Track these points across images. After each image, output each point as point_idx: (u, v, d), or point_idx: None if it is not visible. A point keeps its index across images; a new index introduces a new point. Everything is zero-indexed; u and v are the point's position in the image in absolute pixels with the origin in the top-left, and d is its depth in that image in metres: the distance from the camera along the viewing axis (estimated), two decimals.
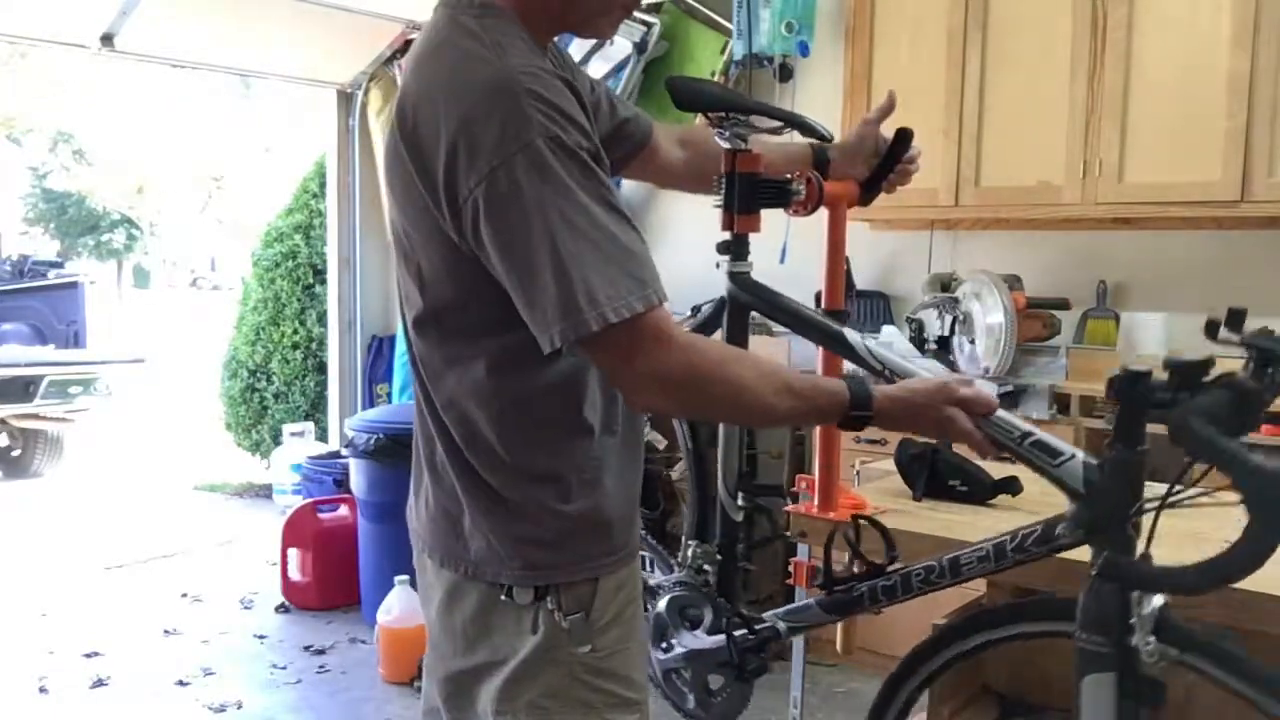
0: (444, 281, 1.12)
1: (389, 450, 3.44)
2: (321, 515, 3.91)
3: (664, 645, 1.66)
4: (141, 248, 25.78)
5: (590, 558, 1.18)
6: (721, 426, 1.66)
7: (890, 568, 1.39)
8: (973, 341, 2.97)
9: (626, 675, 1.20)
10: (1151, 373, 1.04)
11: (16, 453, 6.88)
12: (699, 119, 1.52)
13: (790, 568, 1.82)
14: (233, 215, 24.59)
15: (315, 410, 5.69)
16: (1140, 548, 1.11)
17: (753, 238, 1.49)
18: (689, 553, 1.69)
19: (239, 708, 3.08)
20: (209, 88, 21.16)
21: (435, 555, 1.23)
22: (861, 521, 1.43)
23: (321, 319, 5.54)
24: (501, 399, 1.14)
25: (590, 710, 1.16)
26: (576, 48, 3.71)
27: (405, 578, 3.18)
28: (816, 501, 1.67)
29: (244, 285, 6.33)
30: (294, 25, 4.20)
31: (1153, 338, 3.07)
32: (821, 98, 3.64)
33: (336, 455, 4.44)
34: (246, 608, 3.96)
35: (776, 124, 1.48)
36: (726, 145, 1.40)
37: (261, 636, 3.66)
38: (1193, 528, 1.23)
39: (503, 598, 1.16)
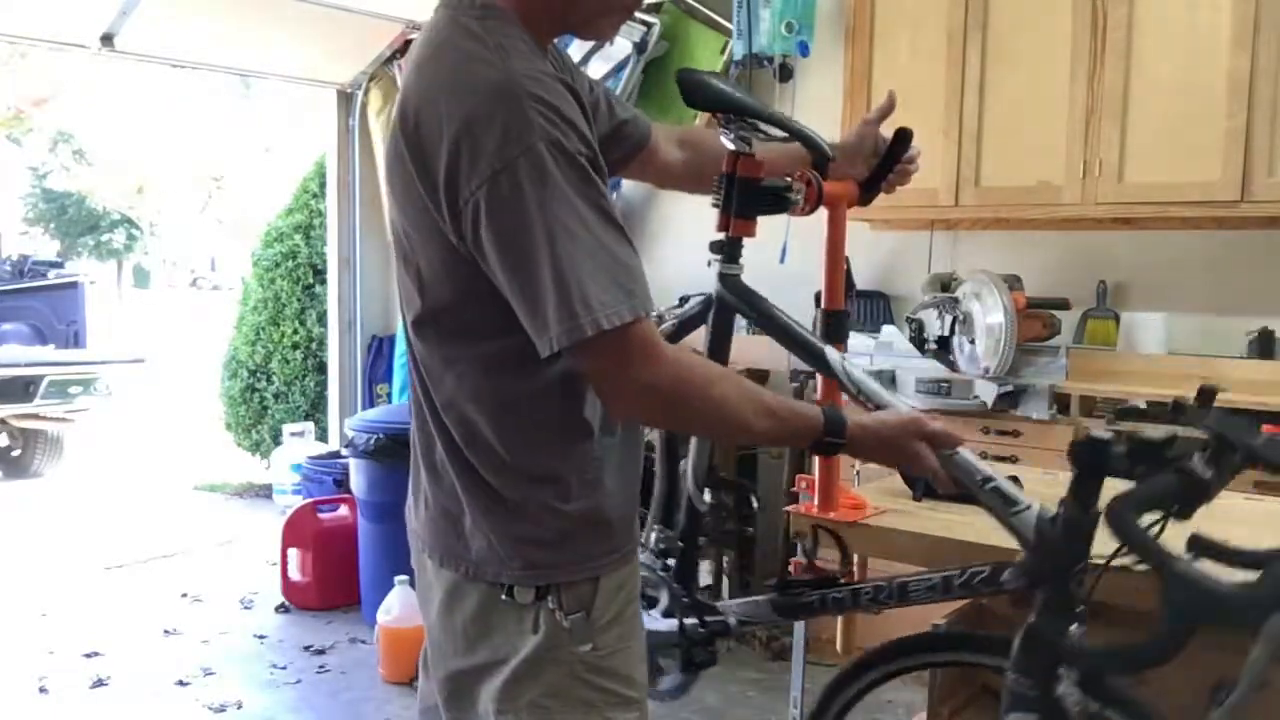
0: (443, 283, 1.13)
1: (389, 450, 3.43)
2: (321, 515, 3.91)
3: None
4: (141, 248, 25.78)
5: (591, 557, 1.18)
6: None
7: (843, 580, 1.44)
8: (973, 341, 2.97)
9: (627, 674, 1.20)
10: (1112, 442, 1.07)
11: (16, 453, 6.88)
12: (702, 116, 1.52)
13: (790, 567, 1.82)
14: (233, 215, 24.58)
15: (315, 410, 5.69)
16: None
17: (753, 236, 1.49)
18: (652, 536, 1.71)
19: (239, 708, 3.08)
20: (209, 88, 21.15)
21: (435, 555, 1.23)
22: (820, 529, 1.48)
23: (321, 319, 5.54)
24: (501, 400, 1.14)
25: (591, 709, 1.17)
26: (576, 48, 3.71)
27: (405, 578, 3.18)
28: (816, 502, 1.67)
29: (244, 285, 6.33)
30: (294, 25, 4.20)
31: (1153, 338, 3.07)
32: (821, 98, 3.64)
33: (336, 455, 4.44)
34: (246, 608, 3.96)
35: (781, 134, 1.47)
36: (730, 146, 1.39)
37: (261, 636, 3.66)
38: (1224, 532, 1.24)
39: (503, 597, 1.16)
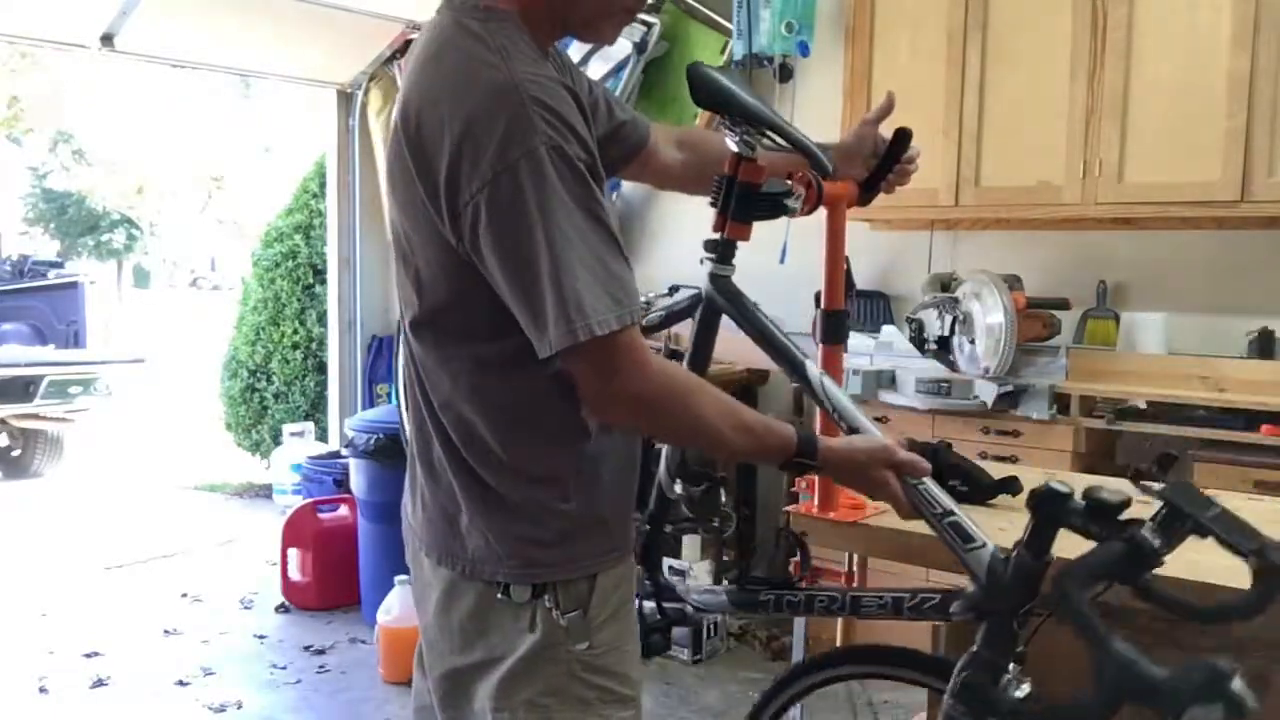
0: (441, 283, 1.13)
1: (389, 450, 3.44)
2: (321, 515, 3.91)
3: None
4: (141, 248, 25.78)
5: (588, 556, 1.19)
6: None
7: (802, 584, 1.46)
8: (973, 341, 2.97)
9: (623, 672, 1.21)
10: (1072, 495, 1.10)
11: (16, 453, 6.88)
12: (702, 115, 1.51)
13: (790, 567, 1.82)
14: (233, 215, 24.59)
15: (315, 410, 5.69)
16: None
17: (754, 235, 1.49)
18: None
19: (239, 708, 3.08)
20: (209, 88, 21.16)
21: (432, 554, 1.24)
22: (786, 532, 1.52)
23: (321, 319, 5.54)
24: (498, 400, 1.15)
25: (588, 707, 1.17)
26: (576, 48, 3.70)
27: (405, 578, 3.18)
28: (816, 501, 1.68)
29: (244, 285, 6.33)
30: (294, 25, 4.20)
31: (1153, 338, 3.07)
32: (821, 98, 3.64)
33: (336, 455, 4.44)
34: (246, 608, 3.96)
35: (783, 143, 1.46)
36: (734, 148, 1.39)
37: (261, 636, 3.66)
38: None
39: (500, 596, 1.17)
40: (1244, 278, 3.04)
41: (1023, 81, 3.10)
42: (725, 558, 3.52)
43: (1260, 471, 2.58)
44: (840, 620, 2.12)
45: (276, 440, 5.62)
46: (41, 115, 19.30)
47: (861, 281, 3.68)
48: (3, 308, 7.38)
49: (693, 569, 3.31)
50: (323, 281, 5.50)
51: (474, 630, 1.19)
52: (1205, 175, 2.79)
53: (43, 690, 3.19)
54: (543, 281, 1.02)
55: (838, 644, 1.91)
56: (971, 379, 3.03)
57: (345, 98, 4.92)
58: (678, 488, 1.64)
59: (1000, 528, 1.42)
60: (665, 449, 1.64)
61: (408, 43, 4.39)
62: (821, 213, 1.53)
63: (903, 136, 1.50)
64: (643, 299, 1.91)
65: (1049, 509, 1.11)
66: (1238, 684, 0.88)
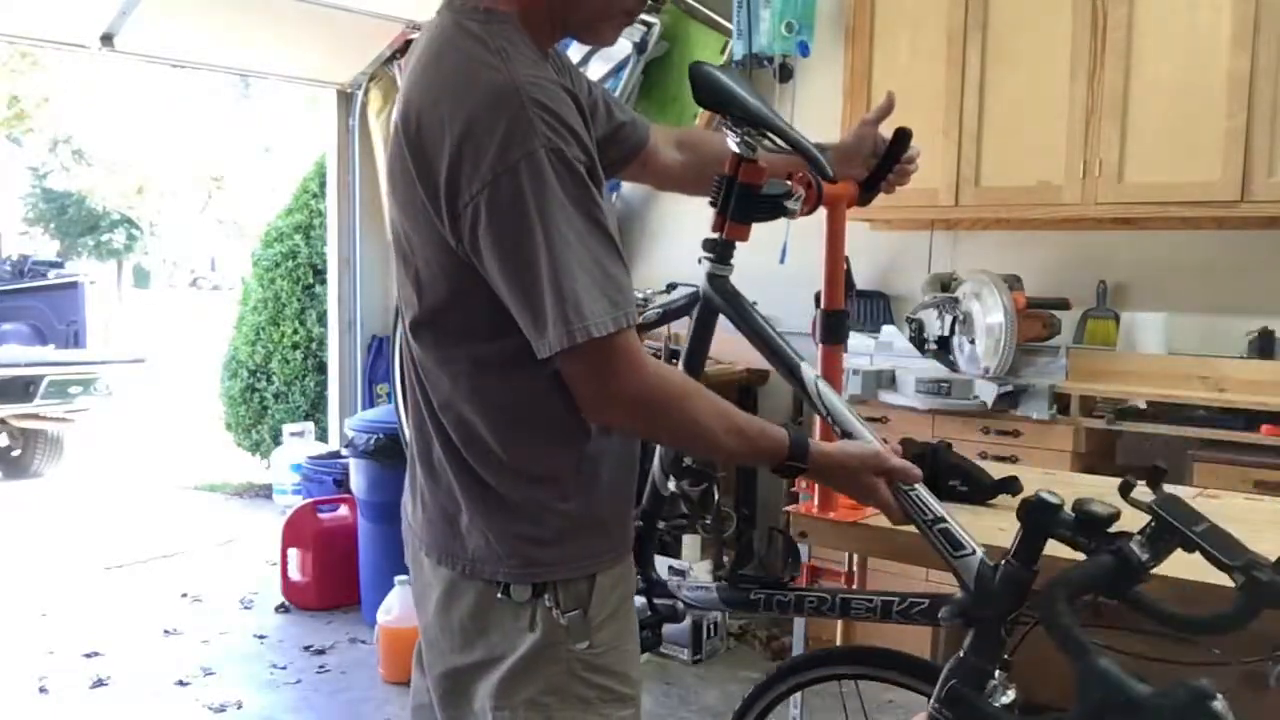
0: (440, 284, 1.13)
1: (389, 450, 3.44)
2: (321, 515, 3.91)
3: None
4: (141, 248, 25.78)
5: (588, 555, 1.19)
6: None
7: (792, 584, 1.46)
8: (973, 341, 2.97)
9: (623, 671, 1.21)
10: (1062, 506, 1.10)
11: (16, 453, 6.88)
12: (702, 115, 1.51)
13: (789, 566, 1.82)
14: (233, 215, 24.60)
15: (315, 410, 5.69)
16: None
17: (754, 234, 1.48)
18: None
19: (239, 708, 3.08)
20: (209, 88, 21.17)
21: (433, 553, 1.24)
22: (778, 531, 1.52)
23: (321, 319, 5.54)
24: (497, 401, 1.15)
25: (588, 706, 1.17)
26: (576, 49, 3.70)
27: (405, 578, 3.18)
28: (816, 501, 1.67)
29: (244, 285, 6.33)
30: (294, 25, 4.20)
31: (1153, 338, 3.07)
32: (821, 98, 3.64)
33: (336, 455, 4.44)
34: (246, 608, 3.96)
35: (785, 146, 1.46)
36: (734, 148, 1.39)
37: (261, 636, 3.66)
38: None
39: (500, 595, 1.17)
40: (1244, 278, 3.04)
41: (1023, 81, 3.10)
42: (725, 558, 3.52)
43: (1260, 471, 2.58)
44: (840, 621, 2.12)
45: (276, 440, 5.62)
46: (41, 115, 19.30)
47: (861, 281, 3.68)
48: (3, 308, 7.38)
49: (692, 569, 3.31)
50: (323, 281, 5.50)
51: (474, 629, 1.19)
52: (1205, 175, 2.80)
53: (43, 690, 3.19)
54: (541, 283, 1.03)
55: (837, 644, 1.90)
56: (971, 379, 3.03)
57: (345, 98, 4.92)
58: (671, 485, 1.64)
59: (1000, 528, 1.42)
60: (659, 446, 1.65)
61: (408, 43, 4.39)
62: (821, 213, 1.53)
63: (902, 136, 1.50)
64: (640, 295, 1.90)
65: (1038, 519, 1.12)
66: (1219, 704, 0.89)
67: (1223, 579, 1.04)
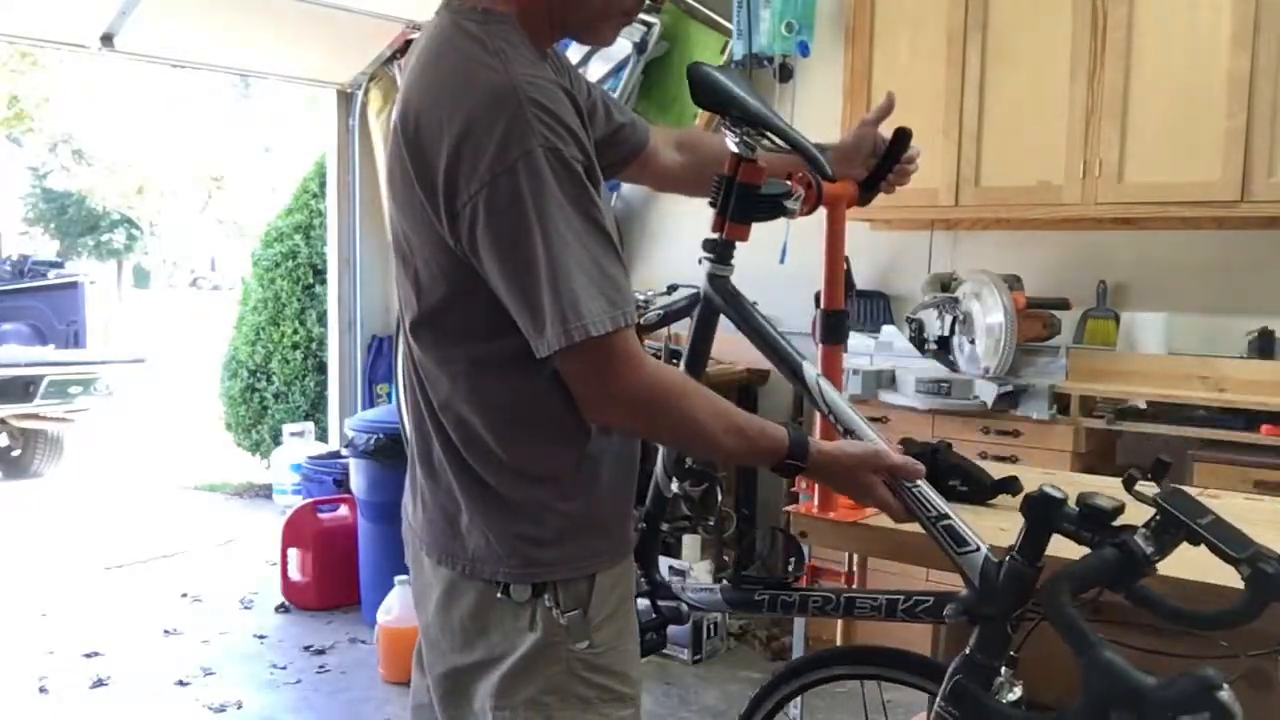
0: (439, 284, 1.13)
1: (389, 450, 3.44)
2: (321, 515, 3.91)
3: None
4: (141, 248, 25.78)
5: (588, 555, 1.19)
6: None
7: (795, 584, 1.46)
8: (973, 341, 2.97)
9: (623, 671, 1.21)
10: (1066, 500, 1.10)
11: (16, 453, 6.88)
12: (702, 115, 1.51)
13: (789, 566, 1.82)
14: (233, 215, 24.60)
15: (315, 410, 5.69)
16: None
17: (753, 234, 1.49)
18: None
19: (239, 708, 3.08)
20: (209, 88, 21.17)
21: (433, 554, 1.24)
22: (779, 531, 1.53)
23: (321, 319, 5.54)
24: (497, 401, 1.15)
25: (588, 706, 1.17)
26: (575, 50, 3.70)
27: (405, 578, 3.18)
28: (816, 501, 1.67)
29: (244, 285, 6.33)
30: (294, 25, 4.20)
31: (1153, 338, 3.07)
32: (821, 98, 3.64)
33: (336, 455, 4.44)
34: (246, 608, 3.96)
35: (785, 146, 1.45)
36: (733, 148, 1.39)
37: (261, 636, 3.66)
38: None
39: (499, 595, 1.17)
40: (1244, 278, 3.04)
41: (1023, 81, 3.10)
42: (725, 558, 3.52)
43: (1260, 471, 2.58)
44: (840, 620, 2.12)
45: (276, 440, 5.62)
46: (41, 115, 19.30)
47: (861, 281, 3.68)
48: (3, 308, 7.38)
49: (693, 569, 3.31)
50: (323, 281, 5.50)
51: (474, 629, 1.19)
52: (1205, 175, 2.80)
53: (43, 690, 3.19)
54: (540, 283, 1.03)
55: (838, 644, 1.90)
56: (971, 379, 3.03)
57: (345, 98, 4.92)
58: (674, 486, 1.64)
59: (1001, 528, 1.42)
60: (661, 447, 1.65)
61: (408, 43, 4.39)
62: (821, 213, 1.53)
63: (902, 136, 1.50)
64: (641, 297, 1.90)
65: (1042, 514, 1.11)
66: (1226, 694, 0.88)
67: (1228, 574, 1.03)
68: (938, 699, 1.23)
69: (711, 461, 1.62)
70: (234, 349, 6.01)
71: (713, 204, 1.43)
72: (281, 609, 3.90)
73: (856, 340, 3.30)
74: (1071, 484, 1.61)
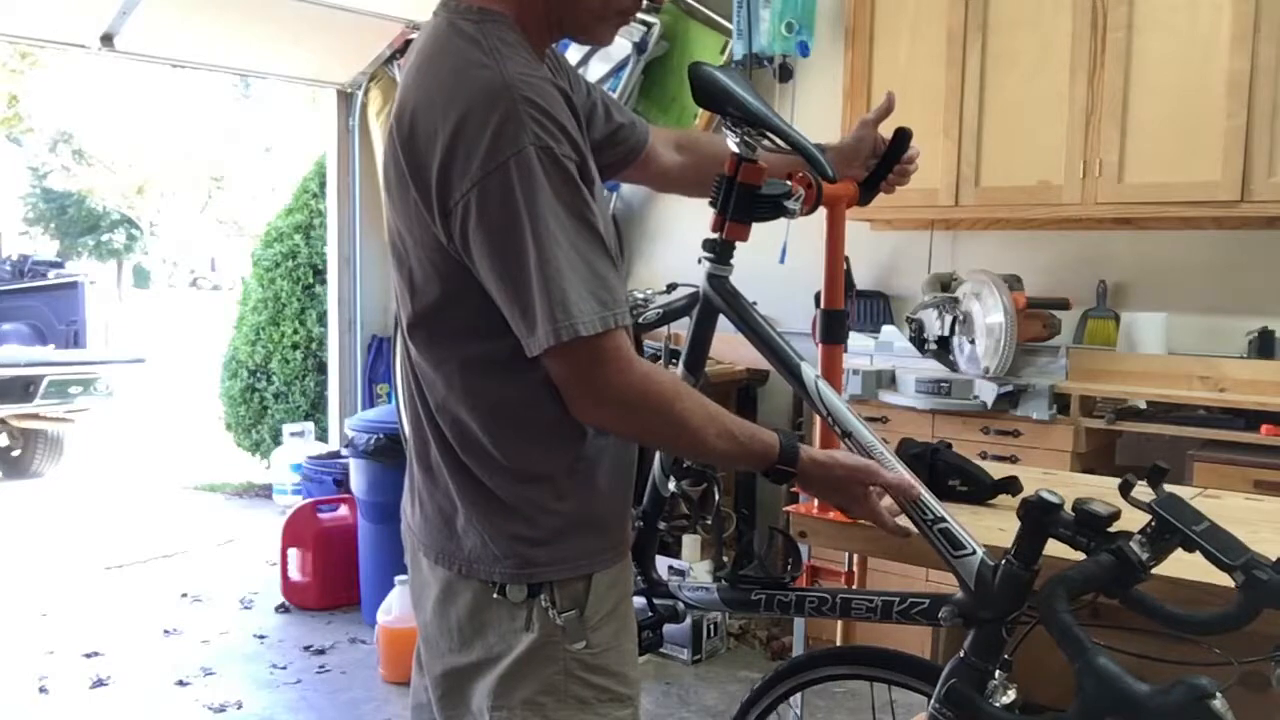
0: (434, 284, 1.14)
1: (389, 450, 3.44)
2: (321, 515, 3.91)
3: None
4: (141, 248, 25.80)
5: (584, 555, 1.19)
6: None
7: (792, 584, 1.46)
8: (973, 341, 2.97)
9: (621, 671, 1.21)
10: (1062, 505, 1.10)
11: (16, 453, 6.87)
12: (702, 115, 1.50)
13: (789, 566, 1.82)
14: (233, 215, 24.61)
15: (315, 410, 5.69)
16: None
17: (753, 234, 1.49)
18: None
19: (239, 708, 3.08)
20: (209, 88, 21.17)
21: (430, 554, 1.24)
22: (778, 531, 1.53)
23: (321, 319, 5.55)
24: (492, 402, 1.15)
25: (585, 706, 1.17)
26: (575, 50, 3.71)
27: (405, 577, 3.15)
28: (816, 501, 1.67)
29: (244, 285, 6.33)
30: (294, 25, 4.20)
31: (1153, 338, 3.07)
32: (821, 98, 3.64)
33: (336, 455, 4.44)
34: (246, 608, 3.96)
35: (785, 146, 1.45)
36: (734, 149, 1.39)
37: (261, 636, 3.66)
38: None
39: (496, 595, 1.17)
40: (1244, 278, 3.04)
41: (1023, 81, 3.09)
42: (725, 558, 3.52)
43: (1260, 471, 2.58)
44: (840, 621, 2.12)
45: (276, 440, 5.62)
46: (41, 115, 19.31)
47: (861, 281, 3.68)
48: (3, 308, 7.37)
49: (692, 569, 3.31)
50: (323, 281, 5.50)
51: (471, 629, 1.19)
52: (1205, 175, 2.79)
53: (43, 690, 3.19)
54: (531, 281, 1.03)
55: (837, 644, 1.90)
56: (971, 379, 3.03)
57: (345, 98, 4.92)
58: (671, 485, 1.64)
59: (1000, 528, 1.42)
60: (659, 450, 1.65)
61: (408, 43, 4.39)
62: (821, 213, 1.52)
63: (902, 137, 1.50)
64: (640, 296, 1.90)
65: (1038, 519, 1.11)
66: (1218, 702, 0.88)
67: (1223, 579, 1.04)
68: (932, 701, 1.23)
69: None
70: (234, 349, 6.01)
71: (713, 204, 1.42)
72: (281, 609, 3.90)
73: (856, 340, 3.30)
74: (1071, 484, 1.62)
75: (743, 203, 1.39)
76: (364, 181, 4.93)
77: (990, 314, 2.92)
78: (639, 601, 1.60)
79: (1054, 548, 1.14)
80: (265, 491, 5.78)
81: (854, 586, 2.09)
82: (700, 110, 3.66)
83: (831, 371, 1.59)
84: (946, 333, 3.04)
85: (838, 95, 3.47)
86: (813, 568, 2.17)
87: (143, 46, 4.18)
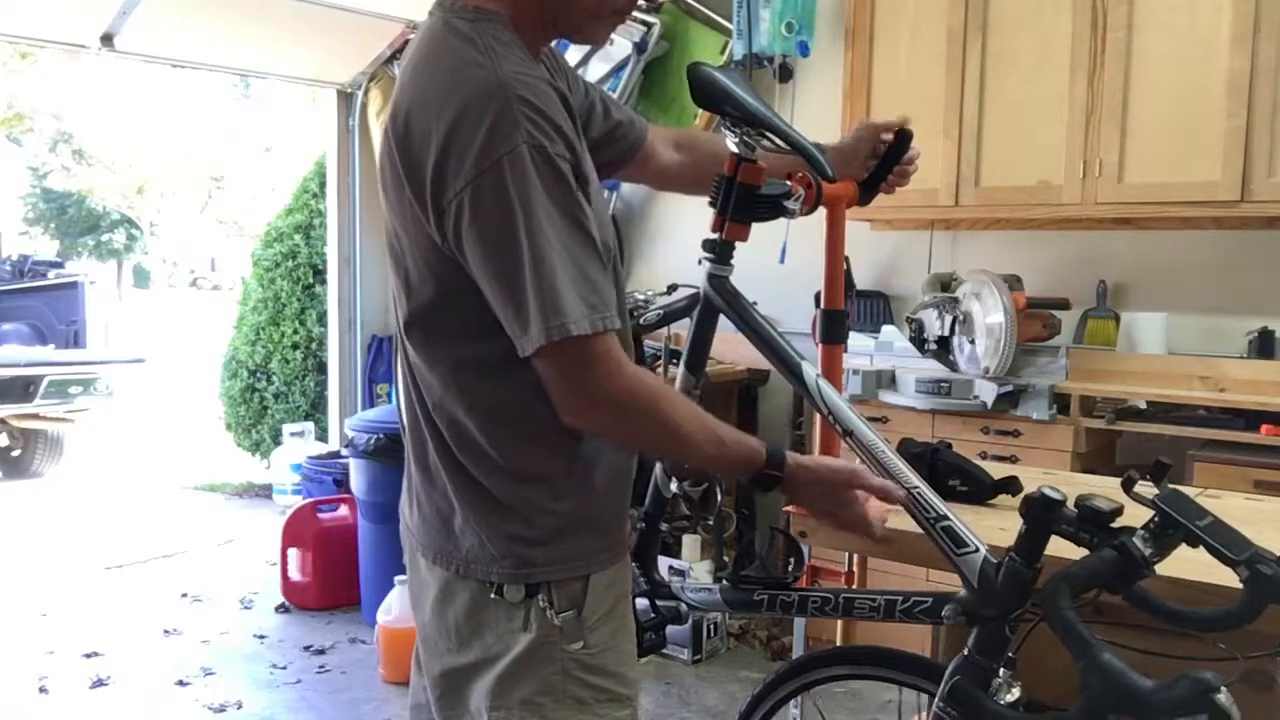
0: (429, 283, 1.14)
1: (389, 450, 3.44)
2: (321, 515, 3.91)
3: None
4: (141, 248, 25.79)
5: (582, 555, 1.19)
6: None
7: (794, 584, 1.46)
8: (973, 341, 2.97)
9: (619, 672, 1.21)
10: (1065, 502, 1.10)
11: (16, 453, 6.87)
12: (702, 115, 1.50)
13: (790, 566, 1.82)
14: (233, 215, 24.61)
15: (315, 410, 5.69)
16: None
17: (754, 235, 1.49)
18: None
19: (239, 708, 3.08)
20: (209, 88, 21.17)
21: (428, 554, 1.24)
22: (779, 531, 1.54)
23: (321, 319, 5.55)
24: (488, 402, 1.15)
25: (583, 706, 1.17)
26: (575, 50, 3.71)
27: (405, 578, 3.17)
28: None
29: (244, 285, 6.33)
30: (294, 25, 4.20)
31: (1153, 338, 3.07)
32: (821, 98, 3.64)
33: (336, 455, 4.44)
34: (246, 608, 3.96)
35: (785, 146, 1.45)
36: (733, 149, 1.39)
37: (261, 636, 3.66)
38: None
39: (493, 596, 1.17)
40: (1244, 278, 3.04)
41: (1023, 81, 3.09)
42: (725, 558, 3.52)
43: (1260, 471, 2.58)
44: (842, 620, 2.12)
45: (276, 440, 5.62)
46: (41, 115, 19.32)
47: (861, 281, 3.68)
48: (3, 308, 7.37)
49: (692, 569, 3.31)
50: (323, 281, 5.50)
51: (469, 630, 1.19)
52: (1205, 175, 2.79)
53: (43, 690, 3.19)
54: (524, 281, 1.03)
55: (838, 644, 1.90)
56: (971, 379, 3.03)
57: (345, 98, 4.92)
58: (673, 486, 1.64)
59: (1001, 528, 1.42)
60: None
61: (407, 43, 4.38)
62: (821, 213, 1.53)
63: (902, 137, 1.50)
64: (641, 297, 1.90)
65: (1040, 515, 1.11)
66: (1223, 697, 0.88)
67: (1227, 573, 1.03)
68: (936, 699, 1.23)
69: None
70: (234, 349, 6.01)
71: (713, 204, 1.42)
72: (281, 609, 3.90)
73: (856, 340, 3.30)
74: (1071, 484, 1.61)
75: (742, 203, 1.39)
76: (364, 181, 4.93)
77: (990, 314, 2.92)
78: (642, 603, 1.60)
79: (1056, 546, 1.14)
80: (265, 491, 5.78)
81: (854, 586, 2.09)
82: (700, 110, 3.67)
83: (831, 371, 1.59)
84: (946, 333, 3.04)
85: (838, 95, 3.47)
86: (813, 568, 2.17)
87: (143, 46, 4.18)
